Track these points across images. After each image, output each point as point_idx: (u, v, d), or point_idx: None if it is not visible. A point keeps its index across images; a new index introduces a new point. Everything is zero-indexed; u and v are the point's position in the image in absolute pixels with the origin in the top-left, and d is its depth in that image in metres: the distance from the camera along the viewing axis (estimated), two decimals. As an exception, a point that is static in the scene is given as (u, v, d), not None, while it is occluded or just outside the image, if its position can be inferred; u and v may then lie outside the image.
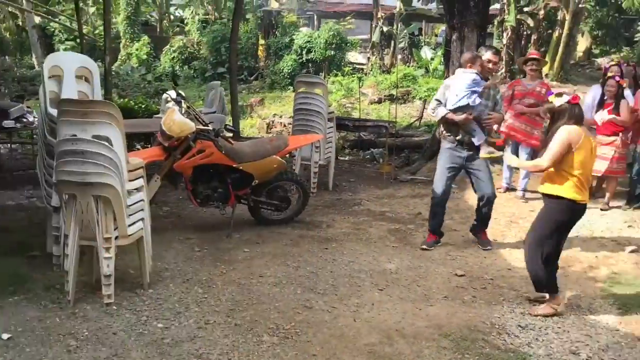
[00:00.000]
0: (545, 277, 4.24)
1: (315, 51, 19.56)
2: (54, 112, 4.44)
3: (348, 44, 20.57)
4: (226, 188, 5.66)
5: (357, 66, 20.94)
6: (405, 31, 20.82)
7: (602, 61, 21.93)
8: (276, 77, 19.82)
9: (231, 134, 6.03)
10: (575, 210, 4.18)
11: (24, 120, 7.73)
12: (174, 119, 5.22)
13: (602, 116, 6.75)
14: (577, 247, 5.74)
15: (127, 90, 17.49)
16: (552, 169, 4.13)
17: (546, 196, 4.23)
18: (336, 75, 18.88)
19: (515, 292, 4.62)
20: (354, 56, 21.73)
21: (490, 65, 5.37)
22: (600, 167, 6.82)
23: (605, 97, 6.83)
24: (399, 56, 20.39)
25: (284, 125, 12.34)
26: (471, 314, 4.18)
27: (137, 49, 22.47)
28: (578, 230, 6.17)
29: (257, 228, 5.92)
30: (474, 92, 5.24)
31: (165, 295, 4.27)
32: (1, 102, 10.17)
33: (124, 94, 15.91)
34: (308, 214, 6.40)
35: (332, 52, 19.55)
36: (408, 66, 19.55)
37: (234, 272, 4.79)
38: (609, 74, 6.97)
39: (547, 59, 17.49)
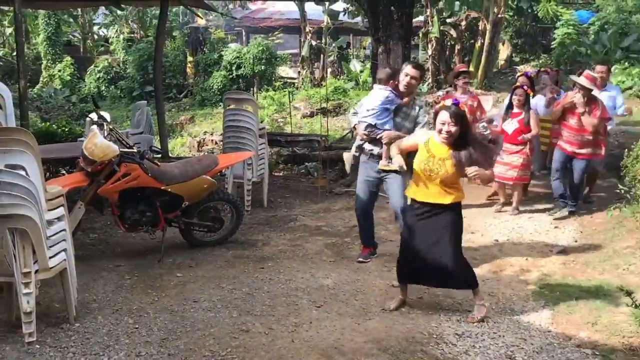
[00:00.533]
0: (472, 273, 4.37)
1: (245, 67, 19.45)
2: (-37, 141, 4.18)
3: (278, 59, 20.57)
4: (155, 211, 5.47)
5: (288, 80, 20.96)
6: (333, 45, 21.02)
7: (523, 68, 22.85)
8: (206, 94, 19.57)
9: (158, 155, 5.85)
10: None
11: None
12: (96, 143, 5.02)
13: (512, 127, 6.89)
14: (507, 251, 5.87)
15: (51, 113, 16.80)
16: (453, 178, 4.17)
17: (447, 207, 4.19)
18: (267, 90, 18.82)
19: (451, 300, 4.66)
20: (284, 70, 21.75)
21: (407, 80, 5.13)
22: (510, 174, 6.95)
23: (513, 107, 6.97)
24: (329, 69, 20.55)
25: (216, 143, 12.14)
26: (409, 325, 4.18)
27: (59, 70, 21.69)
28: (508, 234, 6.37)
29: (189, 251, 5.76)
30: (385, 109, 5.17)
31: (93, 329, 4.05)
32: None
33: (47, 117, 15.28)
34: (243, 233, 6.29)
35: (262, 67, 19.49)
36: (338, 79, 19.72)
37: (166, 298, 4.62)
38: (517, 84, 7.10)
39: (471, 68, 18.08)
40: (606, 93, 7.28)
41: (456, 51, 19.13)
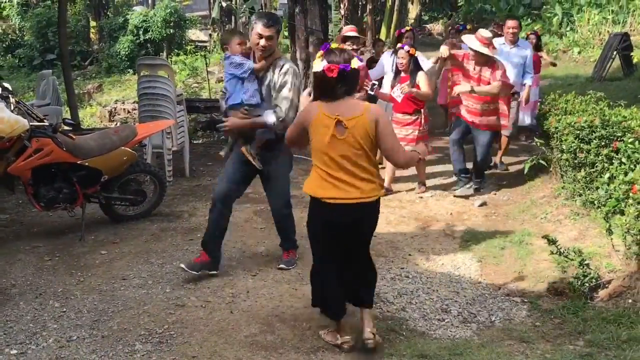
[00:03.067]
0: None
1: (152, 30, 18.63)
2: None
3: (187, 22, 19.86)
4: (72, 187, 5.16)
5: (200, 44, 20.31)
6: (244, 6, 20.49)
7: (432, 27, 23.34)
8: (113, 61, 18.66)
9: (71, 128, 5.51)
10: (325, 211, 3.26)
11: None
12: (2, 117, 4.62)
13: (402, 91, 6.10)
14: (432, 207, 6.03)
15: (-61, 86, 15.51)
16: None
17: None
18: (178, 54, 18.19)
19: (383, 259, 4.74)
20: (195, 34, 21.02)
21: (262, 43, 3.97)
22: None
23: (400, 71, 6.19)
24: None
25: (129, 112, 11.65)
26: (346, 287, 4.21)
27: (-55, 39, 19.99)
28: (432, 191, 6.51)
29: (112, 227, 5.51)
30: (237, 78, 4.13)
31: (15, 316, 3.81)
32: None
33: (-63, 91, 14.06)
34: (167, 205, 6.08)
35: (171, 31, 18.75)
36: (251, 41, 19.32)
37: (93, 278, 4.40)
38: (398, 46, 6.27)
39: (383, 27, 18.25)
40: (518, 52, 6.92)
41: (368, 11, 19.19)
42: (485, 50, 5.93)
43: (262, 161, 4.27)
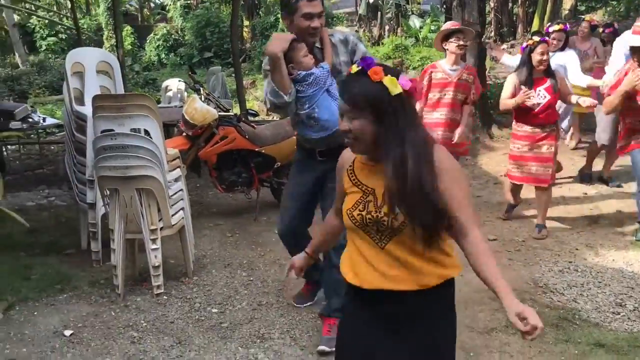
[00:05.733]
0: None
1: (302, 29, 19.42)
2: (80, 109, 4.45)
3: (334, 19, 20.44)
4: (250, 172, 5.68)
5: (346, 41, 20.79)
6: (391, 1, 20.69)
7: (588, 18, 21.89)
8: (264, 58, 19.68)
9: (254, 117, 6.05)
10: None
11: (30, 120, 7.67)
12: (196, 107, 5.24)
13: (541, 100, 4.86)
14: (599, 204, 5.84)
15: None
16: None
17: (416, 295, 1.86)
18: (326, 51, 18.76)
19: (549, 252, 4.72)
20: (341, 30, 21.57)
21: (314, 24, 3.09)
22: (545, 173, 4.98)
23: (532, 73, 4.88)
24: (387, 27, 20.29)
25: (283, 106, 12.29)
26: (512, 276, 4.27)
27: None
28: (596, 187, 6.30)
29: (282, 209, 5.95)
30: (325, 94, 3.20)
31: (211, 281, 4.32)
32: (6, 103, 10.08)
33: (116, 86, 15.75)
34: (329, 191, 6.44)
35: (320, 28, 19.42)
36: (397, 36, 19.47)
37: (271, 253, 4.84)
38: (532, 40, 4.90)
39: (535, 18, 17.54)
40: None
41: (519, 1, 18.57)
42: None
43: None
